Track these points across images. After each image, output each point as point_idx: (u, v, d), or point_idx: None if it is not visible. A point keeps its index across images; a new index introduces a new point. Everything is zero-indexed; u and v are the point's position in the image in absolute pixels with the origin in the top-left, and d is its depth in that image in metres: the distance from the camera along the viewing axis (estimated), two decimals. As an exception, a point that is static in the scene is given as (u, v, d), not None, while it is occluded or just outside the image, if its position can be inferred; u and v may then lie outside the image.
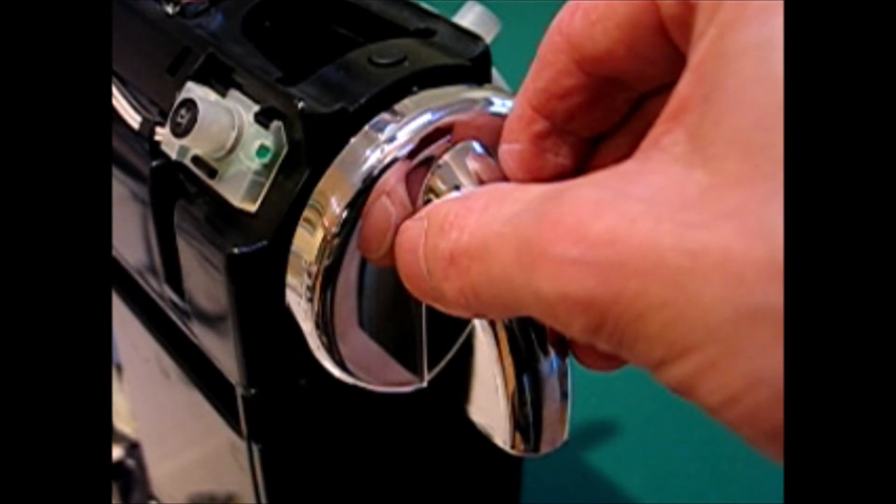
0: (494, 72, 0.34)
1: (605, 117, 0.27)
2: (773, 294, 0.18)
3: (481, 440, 0.32)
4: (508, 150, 0.28)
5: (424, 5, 0.36)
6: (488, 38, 0.35)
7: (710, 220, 0.19)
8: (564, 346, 0.30)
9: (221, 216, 0.32)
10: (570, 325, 0.21)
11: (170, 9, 0.36)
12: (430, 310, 0.32)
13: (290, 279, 0.31)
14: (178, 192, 0.34)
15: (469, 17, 0.37)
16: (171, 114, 0.32)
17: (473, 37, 0.34)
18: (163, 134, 0.34)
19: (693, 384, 0.20)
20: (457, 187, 0.30)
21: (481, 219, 0.24)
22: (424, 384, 0.35)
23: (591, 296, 0.20)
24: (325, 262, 0.30)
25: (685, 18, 0.22)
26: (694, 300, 0.19)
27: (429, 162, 0.30)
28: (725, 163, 0.20)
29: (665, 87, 0.26)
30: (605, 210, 0.21)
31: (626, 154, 0.27)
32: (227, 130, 0.31)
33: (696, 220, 0.19)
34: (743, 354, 0.19)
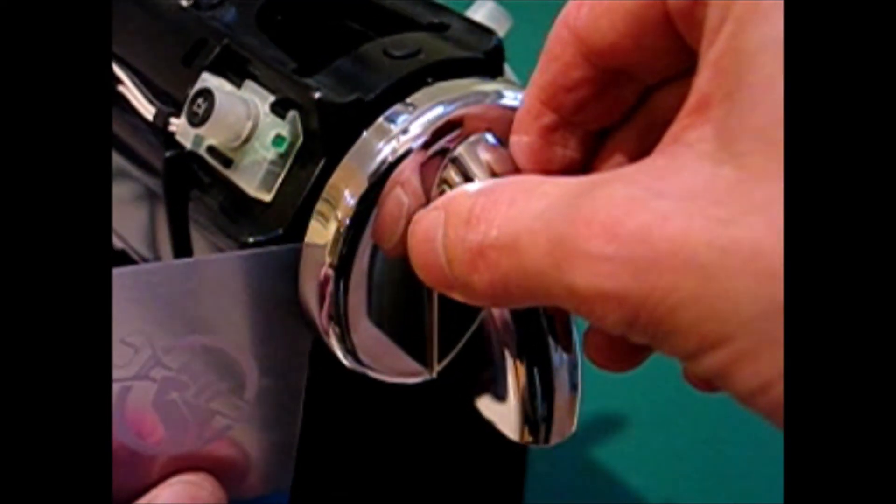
0: (506, 68, 0.35)
1: (613, 110, 0.28)
2: None
3: (484, 436, 0.32)
4: (517, 142, 0.29)
5: (437, 0, 0.37)
6: (499, 34, 0.35)
7: (740, 216, 0.20)
8: (571, 339, 0.30)
9: (236, 206, 0.32)
10: (605, 319, 0.22)
11: (184, 1, 0.37)
12: (440, 301, 0.32)
13: (304, 270, 0.31)
14: (192, 182, 0.34)
15: (481, 13, 0.38)
16: (187, 103, 0.32)
17: (487, 31, 0.34)
18: (178, 124, 0.34)
19: (726, 373, 0.20)
20: (470, 179, 0.30)
21: (509, 212, 0.24)
22: (434, 375, 0.35)
23: (626, 291, 0.21)
24: (339, 254, 0.30)
25: (692, 12, 0.23)
26: (726, 294, 0.19)
27: (442, 153, 0.31)
28: (752, 158, 0.20)
29: (671, 79, 0.26)
30: (638, 207, 0.21)
31: (633, 146, 0.28)
32: (243, 120, 0.31)
33: (727, 215, 0.20)
34: (775, 345, 0.19)
